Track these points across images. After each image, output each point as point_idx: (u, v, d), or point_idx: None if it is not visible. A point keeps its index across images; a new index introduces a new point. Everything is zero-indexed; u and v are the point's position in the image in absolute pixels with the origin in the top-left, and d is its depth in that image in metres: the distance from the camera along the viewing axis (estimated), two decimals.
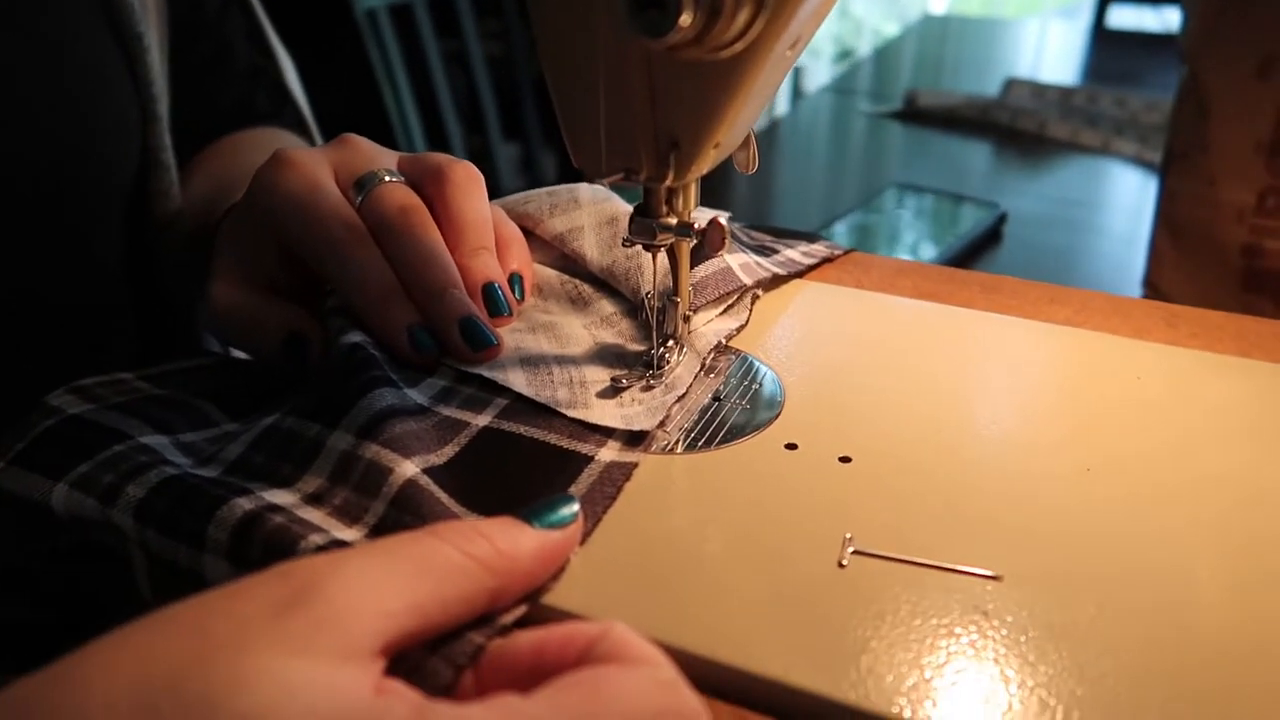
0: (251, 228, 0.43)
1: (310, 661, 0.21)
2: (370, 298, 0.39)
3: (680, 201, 0.36)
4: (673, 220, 0.37)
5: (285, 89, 0.64)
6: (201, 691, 0.20)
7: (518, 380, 0.38)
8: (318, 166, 0.41)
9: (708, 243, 0.37)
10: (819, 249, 0.51)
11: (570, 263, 0.46)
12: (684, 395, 0.39)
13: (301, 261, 0.41)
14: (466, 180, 0.42)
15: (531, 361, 0.40)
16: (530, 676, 0.24)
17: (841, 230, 0.92)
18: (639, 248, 0.42)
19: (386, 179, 0.41)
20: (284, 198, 0.40)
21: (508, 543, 0.27)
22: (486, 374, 0.39)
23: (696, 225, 0.37)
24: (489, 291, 0.41)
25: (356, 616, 0.22)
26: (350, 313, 0.40)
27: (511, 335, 0.41)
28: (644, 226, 0.37)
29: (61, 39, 0.45)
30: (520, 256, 0.44)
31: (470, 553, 0.26)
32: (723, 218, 0.47)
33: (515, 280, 0.43)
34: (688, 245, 0.38)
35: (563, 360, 0.40)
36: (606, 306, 0.44)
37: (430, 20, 1.70)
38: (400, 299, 0.39)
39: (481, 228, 0.42)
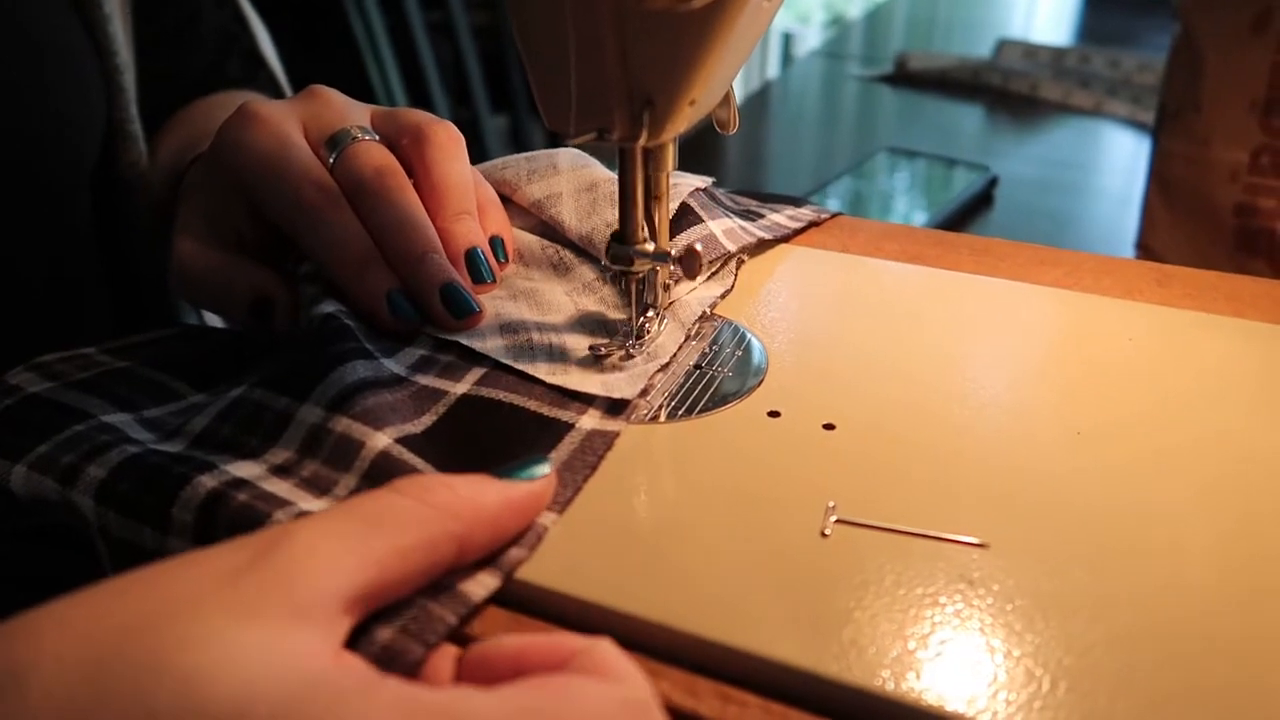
0: (217, 185, 0.41)
1: (262, 625, 0.21)
2: (347, 264, 0.38)
3: (654, 164, 0.35)
4: (650, 247, 0.37)
5: (259, 56, 0.62)
6: (150, 649, 0.20)
7: (497, 347, 0.37)
8: (286, 121, 0.40)
9: (684, 269, 0.37)
10: (805, 213, 0.50)
11: (550, 229, 0.45)
12: (667, 364, 0.38)
13: (268, 218, 0.40)
14: (448, 141, 0.41)
15: (511, 328, 0.39)
16: (509, 679, 0.23)
17: (833, 195, 0.91)
18: (614, 214, 0.41)
19: (360, 137, 0.40)
20: (251, 155, 0.39)
21: (470, 489, 0.27)
22: (465, 341, 0.38)
23: (674, 252, 0.37)
24: (472, 258, 0.39)
25: (307, 575, 0.22)
26: (324, 279, 0.39)
27: (492, 302, 0.40)
28: (622, 254, 0.37)
29: (18, 8, 0.44)
30: (498, 220, 0.43)
31: (429, 500, 0.25)
32: (703, 182, 0.46)
33: (496, 244, 0.42)
34: (667, 199, 0.37)
35: (543, 327, 0.39)
36: (588, 273, 0.43)
37: None
38: (378, 264, 0.38)
39: (463, 191, 0.41)
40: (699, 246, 0.37)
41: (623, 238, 0.37)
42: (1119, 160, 1.00)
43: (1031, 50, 1.20)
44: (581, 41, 0.30)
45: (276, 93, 0.63)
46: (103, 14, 0.47)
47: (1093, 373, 0.38)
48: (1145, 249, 0.74)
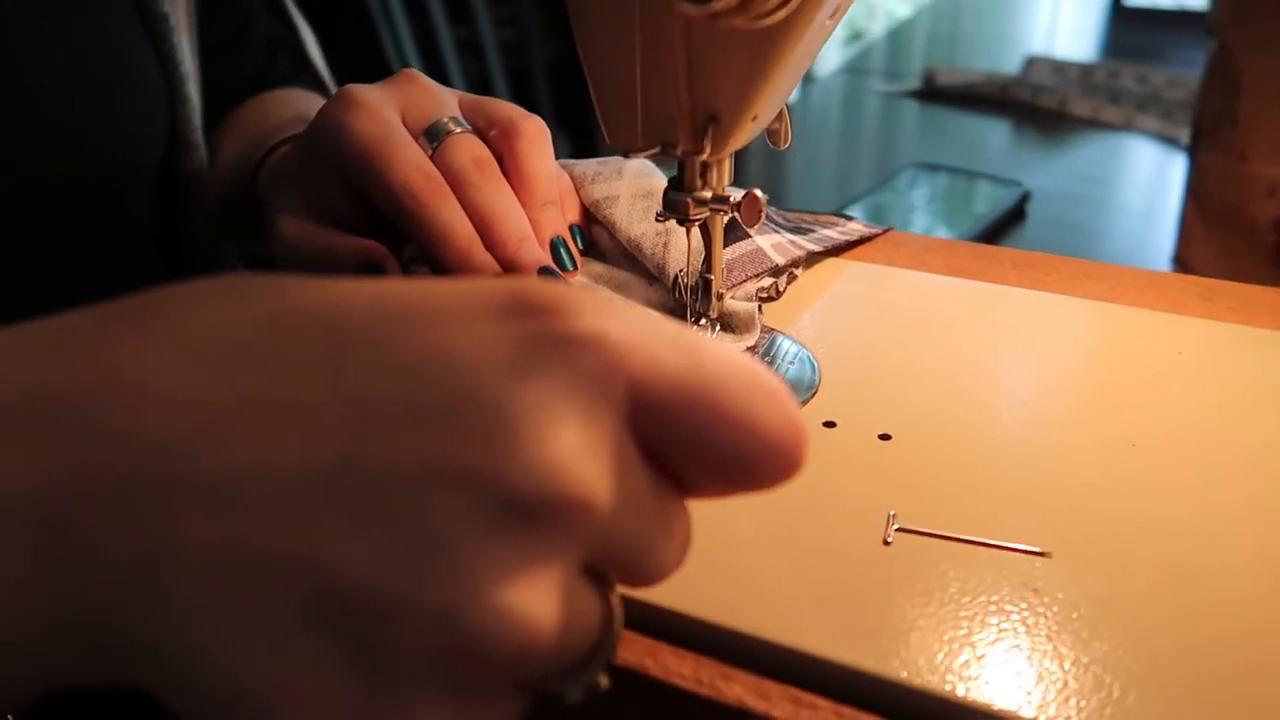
0: (317, 167, 0.43)
1: None
2: (454, 248, 0.40)
3: (714, 176, 0.36)
4: (707, 194, 0.36)
5: (305, 56, 0.64)
6: None
7: None
8: (386, 107, 0.42)
9: (743, 215, 0.37)
10: (856, 227, 0.51)
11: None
12: (754, 347, 0.40)
13: (370, 202, 0.41)
14: (537, 135, 0.43)
15: None
16: None
17: (858, 211, 0.91)
18: (671, 224, 0.42)
19: (455, 129, 0.42)
20: (357, 140, 0.40)
21: None
22: None
23: (732, 199, 0.37)
24: (555, 247, 0.42)
25: None
26: (430, 261, 0.41)
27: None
28: (678, 200, 0.37)
29: (87, 20, 0.45)
30: (574, 209, 0.45)
31: None
32: (759, 193, 0.46)
33: (575, 231, 0.44)
34: (722, 220, 0.38)
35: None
36: (649, 271, 0.44)
37: (442, 7, 1.69)
38: (480, 250, 0.40)
39: (549, 184, 0.43)
40: (759, 192, 0.37)
41: (679, 185, 0.36)
42: (1150, 175, 1.00)
43: (1060, 66, 1.20)
44: (649, 59, 0.31)
45: (323, 92, 0.65)
46: (169, 26, 0.48)
47: (1144, 386, 0.38)
48: (1181, 263, 0.74)
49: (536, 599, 0.17)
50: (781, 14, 0.27)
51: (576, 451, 0.17)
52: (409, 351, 0.18)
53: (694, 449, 0.19)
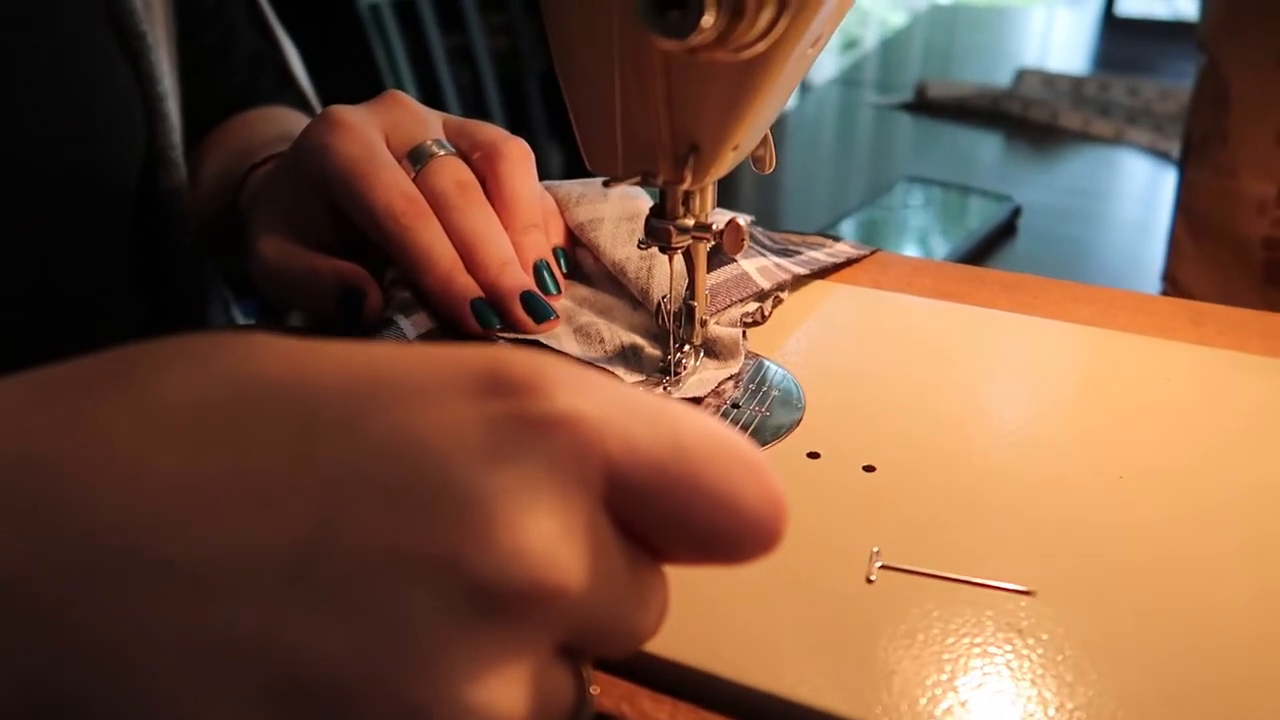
0: (300, 187, 0.42)
1: None
2: (436, 272, 0.39)
3: (697, 203, 0.35)
4: (689, 221, 0.36)
5: (289, 73, 0.63)
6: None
7: (571, 347, 0.40)
8: (369, 129, 0.41)
9: (725, 244, 0.36)
10: (844, 248, 0.50)
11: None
12: (739, 374, 0.40)
13: (352, 223, 0.41)
14: (521, 157, 0.43)
15: (584, 330, 0.41)
16: None
17: (850, 226, 0.91)
18: (654, 251, 0.41)
19: (438, 152, 0.42)
20: (339, 161, 0.40)
21: None
22: (545, 341, 0.40)
23: (714, 226, 0.36)
24: (538, 271, 0.42)
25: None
26: (411, 285, 0.41)
27: (560, 307, 0.42)
28: (659, 229, 0.36)
29: (62, 38, 0.44)
30: (559, 230, 0.45)
31: None
32: (742, 219, 0.46)
33: (559, 254, 0.44)
34: (704, 247, 0.38)
35: (612, 329, 0.41)
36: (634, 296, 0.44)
37: (434, 15, 1.69)
38: (462, 273, 0.40)
39: (532, 206, 0.43)
40: (742, 221, 0.37)
41: (661, 212, 0.36)
42: (1140, 189, 1.00)
43: (1051, 79, 1.20)
44: (629, 89, 0.30)
45: (306, 109, 0.64)
46: (146, 44, 0.48)
47: (1132, 415, 0.38)
48: (1172, 281, 0.73)
49: (508, 693, 0.16)
50: (761, 46, 0.27)
51: (549, 539, 0.17)
52: (380, 432, 0.17)
53: (672, 526, 0.19)
